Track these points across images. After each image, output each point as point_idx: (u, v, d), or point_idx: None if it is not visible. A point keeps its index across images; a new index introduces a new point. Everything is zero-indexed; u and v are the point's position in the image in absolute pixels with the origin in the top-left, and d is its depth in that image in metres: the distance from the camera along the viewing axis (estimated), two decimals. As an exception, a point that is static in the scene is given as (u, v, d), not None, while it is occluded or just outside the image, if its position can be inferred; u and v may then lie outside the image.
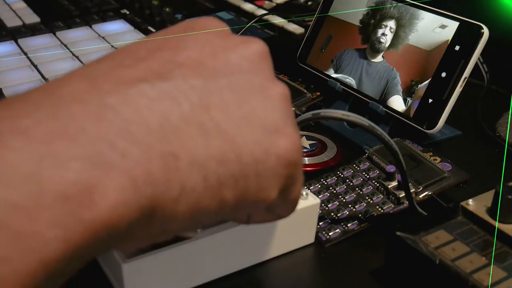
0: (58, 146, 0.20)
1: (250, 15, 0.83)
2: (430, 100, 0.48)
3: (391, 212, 0.41)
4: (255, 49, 0.27)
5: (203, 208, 0.24)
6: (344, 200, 0.42)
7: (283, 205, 0.28)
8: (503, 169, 0.48)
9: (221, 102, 0.24)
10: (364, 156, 0.46)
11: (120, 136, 0.22)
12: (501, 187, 0.34)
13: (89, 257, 0.22)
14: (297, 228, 0.38)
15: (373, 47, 0.54)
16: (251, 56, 0.26)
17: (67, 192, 0.20)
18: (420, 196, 0.41)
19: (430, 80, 0.49)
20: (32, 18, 0.81)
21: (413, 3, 0.52)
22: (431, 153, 0.46)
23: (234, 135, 0.24)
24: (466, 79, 0.47)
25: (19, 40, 0.73)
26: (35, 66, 0.66)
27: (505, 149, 0.50)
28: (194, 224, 0.26)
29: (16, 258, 0.19)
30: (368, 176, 0.44)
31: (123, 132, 0.22)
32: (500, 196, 0.34)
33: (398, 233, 0.34)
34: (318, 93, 0.57)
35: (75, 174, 0.20)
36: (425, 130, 0.48)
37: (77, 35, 0.75)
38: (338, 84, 0.55)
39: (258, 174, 0.25)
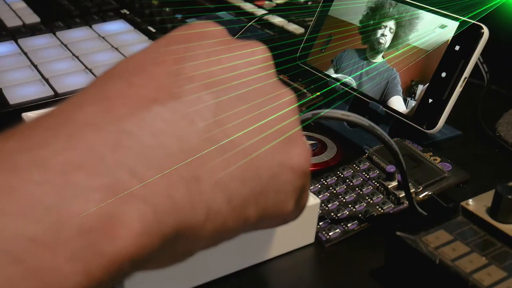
0: (77, 177, 0.20)
1: (250, 15, 0.83)
2: (430, 100, 0.48)
3: (391, 212, 0.41)
4: (259, 54, 0.27)
5: (228, 228, 0.24)
6: (344, 200, 0.42)
7: (293, 212, 0.28)
8: (503, 169, 0.48)
9: (234, 116, 0.24)
10: (364, 156, 0.46)
11: (139, 162, 0.21)
12: (501, 187, 0.34)
13: (109, 287, 0.21)
14: (297, 228, 0.38)
15: (373, 48, 0.54)
16: (256, 63, 0.26)
17: (87, 224, 0.19)
18: (420, 196, 0.41)
19: (430, 80, 0.49)
20: (32, 18, 0.81)
21: (413, 3, 0.52)
22: (431, 153, 0.46)
23: (250, 150, 0.24)
24: (466, 79, 0.47)
25: (19, 40, 0.73)
26: (35, 66, 0.66)
27: (505, 149, 0.50)
28: (217, 243, 0.26)
29: None
30: (368, 176, 0.44)
31: (141, 158, 0.21)
32: (500, 196, 0.34)
33: (398, 233, 0.34)
34: (318, 93, 0.57)
35: (95, 205, 0.19)
36: (425, 130, 0.48)
37: (77, 35, 0.75)
38: (338, 84, 0.55)
39: (275, 190, 0.25)
